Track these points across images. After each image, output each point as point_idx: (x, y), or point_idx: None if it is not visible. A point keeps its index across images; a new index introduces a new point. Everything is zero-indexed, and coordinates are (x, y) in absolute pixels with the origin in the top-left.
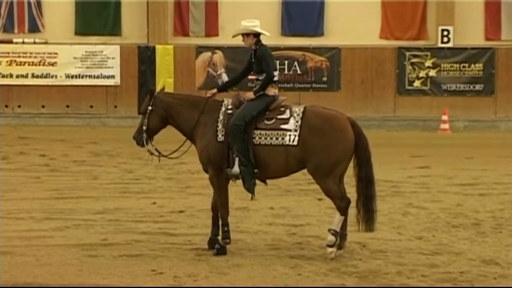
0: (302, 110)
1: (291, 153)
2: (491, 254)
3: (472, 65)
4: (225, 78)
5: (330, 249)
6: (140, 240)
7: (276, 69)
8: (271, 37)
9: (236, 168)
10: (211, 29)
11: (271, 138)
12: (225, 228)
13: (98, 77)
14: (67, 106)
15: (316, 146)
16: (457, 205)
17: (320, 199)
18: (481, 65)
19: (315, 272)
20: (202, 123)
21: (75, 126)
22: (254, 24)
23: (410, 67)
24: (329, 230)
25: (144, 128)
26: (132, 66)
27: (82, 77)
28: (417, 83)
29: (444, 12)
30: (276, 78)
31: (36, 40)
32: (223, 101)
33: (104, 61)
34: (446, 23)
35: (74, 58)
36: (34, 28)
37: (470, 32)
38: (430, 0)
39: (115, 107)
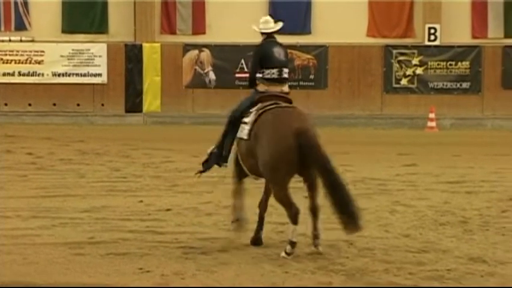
0: (272, 107)
1: (248, 146)
2: (478, 252)
3: (459, 63)
4: (212, 76)
5: (284, 255)
6: (127, 239)
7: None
8: (258, 35)
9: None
10: (198, 27)
11: (241, 131)
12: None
13: (85, 75)
14: (54, 104)
15: (259, 144)
16: (444, 203)
17: (306, 197)
18: (467, 63)
19: (302, 270)
20: None
21: (62, 124)
22: (270, 25)
23: (397, 65)
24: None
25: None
26: (119, 64)
27: (69, 75)
28: (404, 81)
29: (431, 10)
30: (267, 76)
31: (23, 38)
32: None
33: (91, 59)
34: (433, 21)
35: (61, 56)
36: (21, 26)
37: (457, 30)
38: None
39: (102, 105)
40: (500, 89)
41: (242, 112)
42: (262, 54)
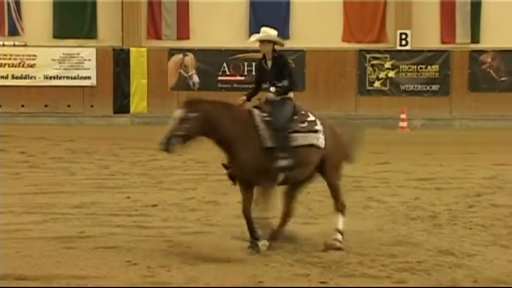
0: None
1: (319, 154)
2: (446, 245)
3: (429, 67)
4: (195, 79)
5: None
6: (115, 233)
7: (295, 75)
8: (240, 40)
9: (286, 162)
10: (183, 32)
11: (308, 140)
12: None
13: (75, 78)
14: (46, 106)
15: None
16: (415, 199)
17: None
18: (437, 66)
19: (281, 263)
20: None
21: (53, 124)
22: (275, 34)
23: (371, 68)
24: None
25: None
26: (107, 67)
27: (60, 78)
28: (377, 84)
29: (402, 17)
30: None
31: (16, 43)
32: (250, 111)
33: (80, 63)
34: (405, 27)
35: (52, 60)
36: (14, 31)
37: (427, 36)
38: (389, 5)
39: (91, 106)
40: (468, 91)
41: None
42: None
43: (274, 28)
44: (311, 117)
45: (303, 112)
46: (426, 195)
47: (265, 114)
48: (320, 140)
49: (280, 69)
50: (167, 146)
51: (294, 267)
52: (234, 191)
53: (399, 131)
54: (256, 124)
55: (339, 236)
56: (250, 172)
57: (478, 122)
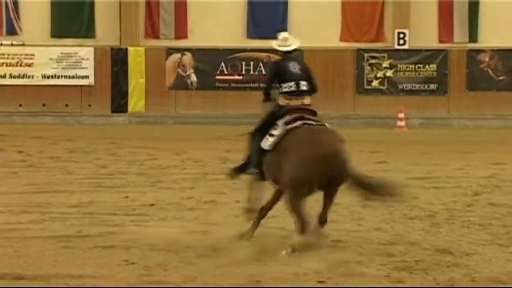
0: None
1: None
2: (444, 244)
3: (427, 66)
4: (193, 78)
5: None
6: (113, 232)
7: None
8: (238, 40)
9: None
10: (181, 31)
11: (265, 142)
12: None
13: (73, 77)
14: (43, 105)
15: (286, 158)
16: (413, 198)
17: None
18: (435, 66)
19: (279, 262)
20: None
21: (51, 124)
22: (289, 43)
23: (369, 68)
24: None
25: None
26: (105, 67)
27: (58, 77)
28: (375, 83)
29: (400, 16)
30: (285, 90)
31: (14, 42)
32: None
33: (78, 62)
34: (402, 27)
35: (50, 59)
36: (12, 31)
37: (424, 35)
38: (387, 5)
39: (89, 105)
40: (465, 90)
41: (266, 125)
42: (276, 71)
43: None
44: (282, 121)
45: (292, 117)
46: (424, 194)
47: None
48: (268, 142)
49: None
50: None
51: (293, 266)
52: (231, 190)
53: (397, 130)
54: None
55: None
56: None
57: (475, 121)
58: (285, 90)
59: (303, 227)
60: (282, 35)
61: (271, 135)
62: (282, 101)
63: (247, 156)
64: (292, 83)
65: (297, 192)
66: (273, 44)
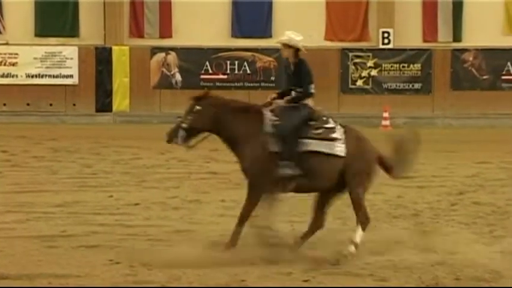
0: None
1: (337, 164)
2: (429, 243)
3: (411, 65)
4: (178, 77)
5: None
6: (97, 232)
7: (312, 83)
8: (222, 39)
9: (287, 170)
10: (165, 31)
11: (322, 147)
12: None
13: (57, 76)
14: (28, 104)
15: (357, 155)
16: (398, 197)
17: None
18: (419, 65)
19: (264, 261)
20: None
21: (35, 123)
22: (299, 39)
23: (353, 67)
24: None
25: None
26: (90, 66)
27: (42, 77)
28: (359, 82)
29: (384, 15)
30: (313, 91)
31: None
32: (263, 111)
33: (63, 61)
34: (387, 26)
35: (34, 58)
36: None
37: (409, 34)
38: (372, 4)
39: (74, 105)
40: (450, 89)
41: (297, 126)
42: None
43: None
44: (330, 124)
45: (324, 118)
46: (408, 194)
47: (275, 118)
48: (338, 148)
49: (299, 75)
50: (171, 137)
51: (277, 265)
52: (216, 189)
53: (381, 129)
54: (265, 127)
55: (352, 248)
56: (253, 175)
57: (460, 121)
58: (312, 91)
59: (366, 222)
60: (292, 33)
61: (333, 139)
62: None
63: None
64: (313, 86)
65: (367, 189)
66: (299, 44)
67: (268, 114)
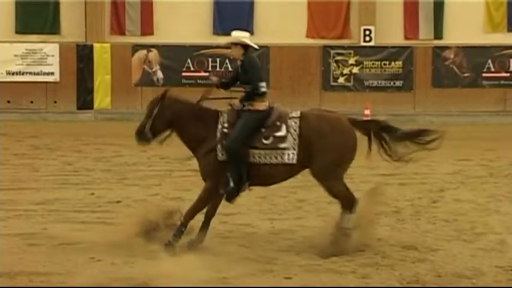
0: (298, 120)
1: (291, 169)
2: (410, 240)
3: (392, 63)
4: (159, 75)
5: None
6: (79, 230)
7: (261, 80)
8: (204, 36)
9: (231, 184)
10: (147, 28)
11: (270, 158)
12: (182, 229)
13: (38, 73)
14: (8, 102)
15: (318, 149)
16: (378, 194)
17: (250, 189)
18: (400, 62)
19: (246, 258)
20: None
21: (16, 121)
22: (244, 36)
23: (335, 64)
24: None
25: None
26: (71, 63)
27: (23, 74)
28: (341, 80)
29: (366, 13)
30: (263, 90)
31: None
32: (219, 115)
33: (44, 59)
34: (368, 23)
35: (15, 56)
36: None
37: (390, 32)
38: (353, 1)
39: (55, 102)
40: (431, 87)
41: (247, 137)
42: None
43: (243, 29)
44: (281, 132)
45: (277, 124)
46: (389, 191)
47: (226, 125)
48: (287, 156)
49: (246, 71)
50: (139, 139)
51: (260, 262)
52: (198, 186)
53: None
54: (217, 133)
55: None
56: (206, 179)
57: (441, 118)
58: (263, 90)
59: (353, 204)
60: (239, 32)
61: (283, 148)
62: (260, 105)
63: (234, 173)
64: (263, 83)
65: (340, 173)
66: (246, 40)
67: (221, 119)
